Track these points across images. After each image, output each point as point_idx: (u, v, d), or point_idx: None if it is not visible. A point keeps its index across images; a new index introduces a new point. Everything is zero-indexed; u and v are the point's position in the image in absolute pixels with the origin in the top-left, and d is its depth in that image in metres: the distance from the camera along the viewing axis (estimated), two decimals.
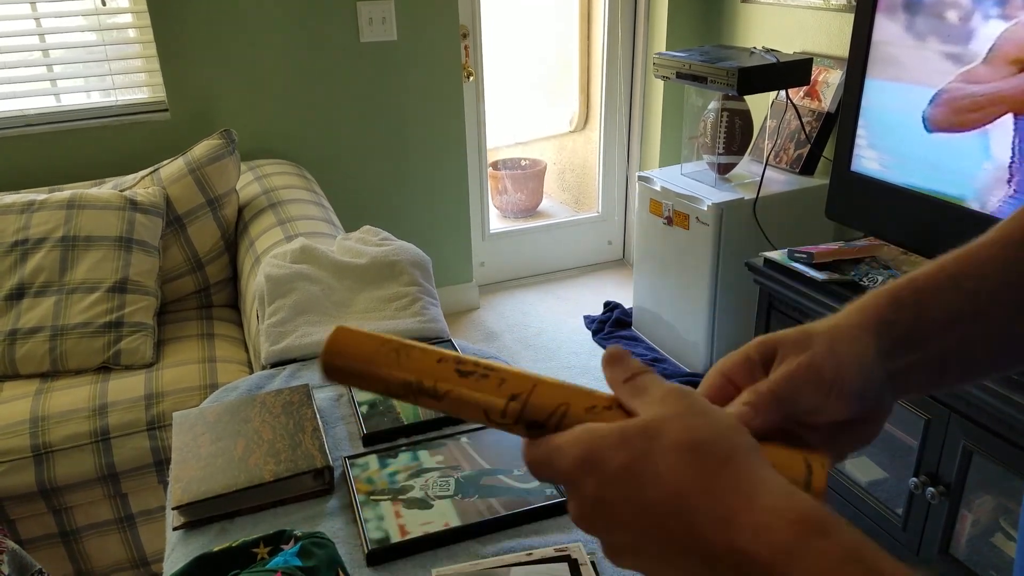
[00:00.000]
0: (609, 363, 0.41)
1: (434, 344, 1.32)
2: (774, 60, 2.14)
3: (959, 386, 0.50)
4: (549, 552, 0.86)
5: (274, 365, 1.32)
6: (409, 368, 0.41)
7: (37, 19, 2.14)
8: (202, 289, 2.01)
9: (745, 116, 2.31)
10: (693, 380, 2.42)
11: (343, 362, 0.42)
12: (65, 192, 1.84)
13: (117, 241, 1.78)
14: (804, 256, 1.83)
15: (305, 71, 2.41)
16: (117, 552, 1.65)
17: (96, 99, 2.27)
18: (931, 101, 1.65)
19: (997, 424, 1.40)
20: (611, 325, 2.80)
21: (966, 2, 1.56)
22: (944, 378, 0.47)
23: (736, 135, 2.31)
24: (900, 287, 0.46)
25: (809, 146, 2.35)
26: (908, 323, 0.45)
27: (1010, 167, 1.51)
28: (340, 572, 0.80)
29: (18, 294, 1.72)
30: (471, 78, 2.80)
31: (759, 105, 2.55)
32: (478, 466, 1.02)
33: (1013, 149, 1.50)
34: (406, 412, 1.14)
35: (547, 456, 0.38)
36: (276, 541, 0.82)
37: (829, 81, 2.32)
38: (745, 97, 2.29)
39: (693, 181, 2.40)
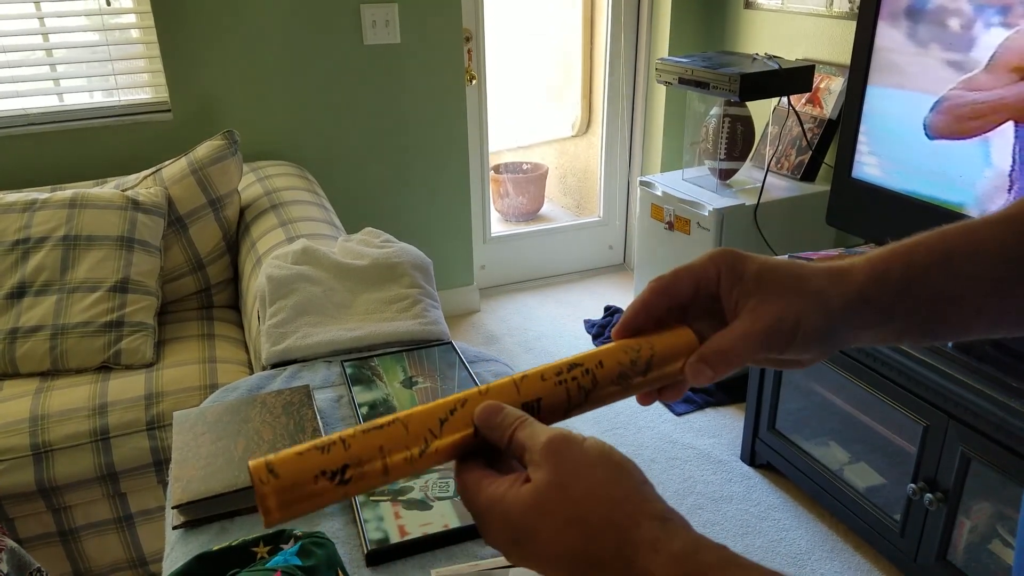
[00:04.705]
0: (485, 427, 0.43)
1: (434, 346, 1.32)
2: (776, 67, 2.15)
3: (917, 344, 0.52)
4: None
5: (275, 366, 1.32)
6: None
7: (41, 18, 2.15)
8: (203, 290, 2.01)
9: (747, 122, 2.32)
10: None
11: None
12: (67, 191, 1.84)
13: (118, 241, 1.78)
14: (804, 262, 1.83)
15: (308, 73, 2.42)
16: (116, 551, 1.65)
17: (99, 99, 2.27)
18: (932, 108, 1.65)
19: (995, 431, 1.40)
20: (611, 329, 2.80)
21: (968, 10, 1.56)
22: (902, 339, 0.49)
23: (738, 141, 2.32)
24: (893, 263, 0.47)
25: (810, 152, 2.36)
26: (885, 301, 0.47)
27: (1010, 175, 1.52)
28: (339, 572, 0.80)
29: (19, 293, 1.72)
30: (474, 81, 2.80)
31: (761, 111, 2.55)
32: None
33: (1013, 157, 1.51)
34: None
35: (462, 492, 0.43)
36: (276, 540, 0.82)
37: (831, 88, 2.32)
38: (747, 103, 2.30)
39: (695, 186, 2.40)
